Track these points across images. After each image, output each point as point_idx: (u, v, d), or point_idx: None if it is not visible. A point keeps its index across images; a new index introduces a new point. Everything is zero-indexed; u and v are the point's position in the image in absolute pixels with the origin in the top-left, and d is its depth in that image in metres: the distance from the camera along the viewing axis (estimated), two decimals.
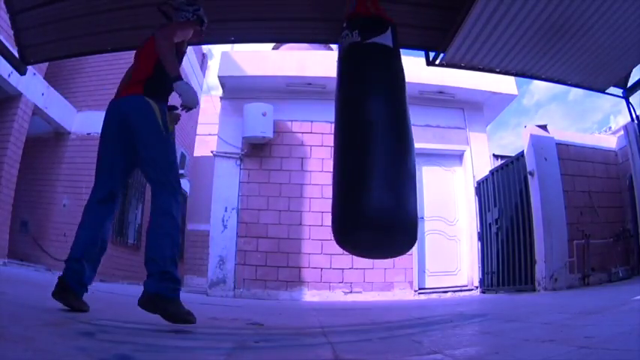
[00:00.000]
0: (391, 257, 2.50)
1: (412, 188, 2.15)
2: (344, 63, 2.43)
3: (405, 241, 2.18)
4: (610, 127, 13.27)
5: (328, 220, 6.76)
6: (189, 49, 10.67)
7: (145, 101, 2.11)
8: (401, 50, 2.50)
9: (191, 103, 2.09)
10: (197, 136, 11.55)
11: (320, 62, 6.29)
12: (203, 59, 12.58)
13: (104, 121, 2.25)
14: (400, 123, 2.21)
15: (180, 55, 2.34)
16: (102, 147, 2.25)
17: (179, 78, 2.07)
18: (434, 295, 5.83)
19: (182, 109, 2.15)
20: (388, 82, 2.28)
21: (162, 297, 1.87)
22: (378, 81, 2.26)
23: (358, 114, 2.21)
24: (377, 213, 2.02)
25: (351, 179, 2.11)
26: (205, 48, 12.62)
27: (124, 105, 2.16)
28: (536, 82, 4.44)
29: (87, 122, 7.08)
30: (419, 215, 6.28)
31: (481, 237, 5.97)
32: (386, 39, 2.31)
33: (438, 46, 3.74)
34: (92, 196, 2.26)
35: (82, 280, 2.08)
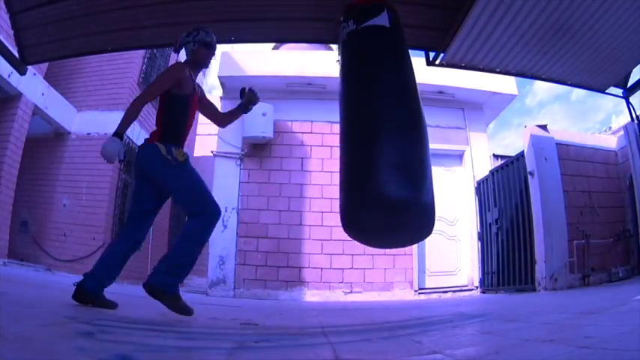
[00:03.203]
0: (404, 245, 2.37)
1: (426, 169, 2.07)
2: (343, 53, 2.42)
3: (419, 226, 2.06)
4: (610, 127, 13.26)
5: (328, 220, 6.72)
6: None
7: (152, 146, 2.30)
8: (402, 28, 2.40)
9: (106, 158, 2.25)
10: (197, 136, 11.55)
11: (320, 62, 6.29)
12: None
13: (134, 172, 2.54)
14: (409, 100, 2.15)
15: (185, 97, 2.40)
16: (135, 194, 2.45)
17: (115, 134, 2.21)
18: (434, 295, 5.83)
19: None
20: (391, 61, 2.23)
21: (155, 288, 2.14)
22: (379, 61, 2.21)
23: (363, 96, 2.17)
24: (385, 192, 1.92)
25: (359, 163, 2.06)
26: None
27: (140, 155, 2.36)
28: (538, 81, 4.44)
29: (87, 122, 7.08)
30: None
31: (481, 237, 5.97)
32: (381, 20, 2.29)
33: (438, 46, 3.74)
34: (121, 232, 2.48)
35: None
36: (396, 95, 2.13)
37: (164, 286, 2.15)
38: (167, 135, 2.34)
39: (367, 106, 2.11)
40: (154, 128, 2.40)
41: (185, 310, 2.20)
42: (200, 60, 2.50)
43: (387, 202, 1.91)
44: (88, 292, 2.18)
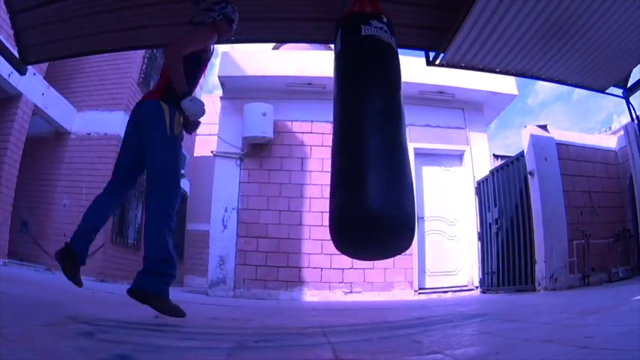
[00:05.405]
0: (391, 257, 2.43)
1: (408, 183, 2.06)
2: (335, 70, 2.39)
3: (404, 239, 2.09)
4: (610, 127, 13.26)
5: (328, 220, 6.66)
6: None
7: (156, 104, 2.21)
8: (385, 35, 2.29)
9: (194, 117, 2.24)
10: (197, 136, 11.55)
11: (320, 62, 6.29)
12: None
13: (127, 124, 2.39)
14: (390, 115, 2.12)
15: (203, 60, 2.42)
16: (121, 147, 2.39)
17: (185, 95, 2.17)
18: (434, 295, 5.83)
19: (186, 123, 2.30)
20: (376, 78, 2.19)
21: (145, 292, 2.04)
22: (360, 79, 2.18)
23: (344, 115, 2.16)
24: (375, 218, 1.94)
25: (349, 181, 2.04)
26: None
27: (141, 108, 2.29)
28: (539, 81, 4.47)
29: (87, 122, 7.10)
30: (419, 215, 6.24)
31: (481, 237, 5.97)
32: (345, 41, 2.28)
33: (438, 46, 3.74)
34: (106, 187, 2.38)
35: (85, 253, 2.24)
36: (377, 118, 2.10)
37: (153, 288, 2.03)
38: (173, 94, 2.21)
39: (356, 129, 2.10)
40: (158, 82, 2.33)
41: (177, 312, 2.09)
42: (219, 32, 2.48)
43: (376, 227, 1.97)
44: (76, 254, 2.16)
